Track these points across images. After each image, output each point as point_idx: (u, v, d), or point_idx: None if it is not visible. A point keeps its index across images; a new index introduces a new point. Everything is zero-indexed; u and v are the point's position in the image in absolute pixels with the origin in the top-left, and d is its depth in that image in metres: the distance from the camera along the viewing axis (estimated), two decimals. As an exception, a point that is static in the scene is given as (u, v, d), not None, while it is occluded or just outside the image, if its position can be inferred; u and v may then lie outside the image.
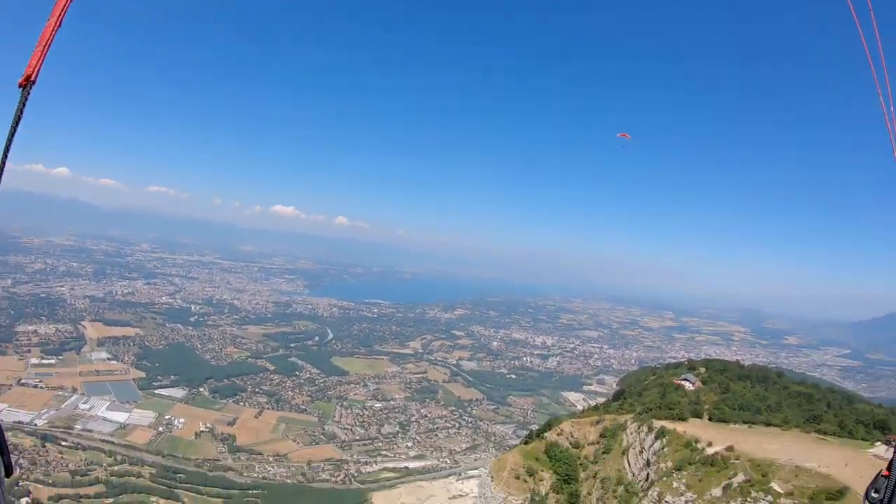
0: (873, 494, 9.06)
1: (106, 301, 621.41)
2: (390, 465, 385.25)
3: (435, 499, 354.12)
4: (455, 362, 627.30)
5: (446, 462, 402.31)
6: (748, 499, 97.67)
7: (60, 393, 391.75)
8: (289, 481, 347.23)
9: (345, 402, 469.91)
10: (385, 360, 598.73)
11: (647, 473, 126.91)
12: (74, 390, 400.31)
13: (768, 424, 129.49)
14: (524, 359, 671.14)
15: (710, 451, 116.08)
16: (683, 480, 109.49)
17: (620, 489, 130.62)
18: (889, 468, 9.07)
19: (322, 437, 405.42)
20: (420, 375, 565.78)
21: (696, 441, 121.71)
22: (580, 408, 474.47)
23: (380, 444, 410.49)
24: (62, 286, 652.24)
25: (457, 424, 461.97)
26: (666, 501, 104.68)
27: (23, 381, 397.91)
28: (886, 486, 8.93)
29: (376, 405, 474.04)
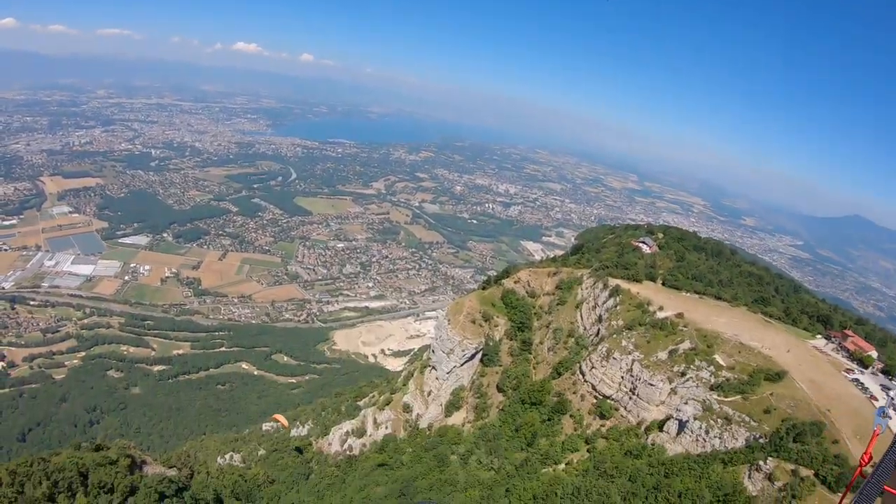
0: None
1: (63, 153, 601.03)
2: (351, 304, 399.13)
3: (393, 338, 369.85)
4: (418, 204, 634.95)
5: (405, 303, 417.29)
6: (691, 366, 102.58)
7: (24, 252, 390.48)
8: (253, 322, 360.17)
9: (307, 243, 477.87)
10: (348, 200, 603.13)
11: (598, 329, 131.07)
12: (38, 248, 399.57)
13: (718, 298, 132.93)
14: (486, 205, 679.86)
15: (660, 315, 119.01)
16: (632, 340, 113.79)
17: (571, 341, 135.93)
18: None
19: (285, 277, 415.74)
20: (382, 216, 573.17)
21: (648, 304, 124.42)
22: (538, 258, 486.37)
23: (341, 284, 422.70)
24: (17, 143, 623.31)
25: (417, 266, 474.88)
26: (614, 358, 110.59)
27: None
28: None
29: (338, 245, 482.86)
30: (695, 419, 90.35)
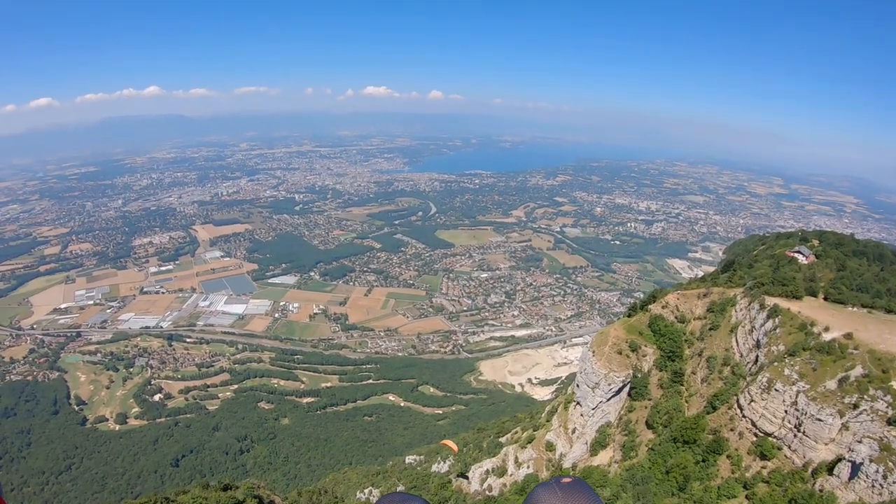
0: None
1: (213, 203, 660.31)
2: (497, 334, 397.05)
3: (540, 366, 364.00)
4: (559, 229, 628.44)
5: (551, 330, 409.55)
6: (865, 396, 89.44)
7: (181, 295, 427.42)
8: (400, 354, 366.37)
9: (451, 275, 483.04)
10: (489, 230, 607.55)
11: (757, 356, 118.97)
12: (193, 290, 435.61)
13: (889, 311, 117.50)
14: (628, 224, 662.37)
15: (826, 336, 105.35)
16: (796, 368, 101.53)
17: (727, 370, 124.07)
18: None
19: (430, 309, 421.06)
20: (524, 244, 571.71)
21: (812, 324, 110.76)
22: (685, 275, 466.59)
23: (486, 314, 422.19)
24: (170, 196, 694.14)
25: (561, 292, 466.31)
26: (776, 389, 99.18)
27: (145, 289, 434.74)
28: None
29: (482, 275, 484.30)
30: (870, 461, 77.56)
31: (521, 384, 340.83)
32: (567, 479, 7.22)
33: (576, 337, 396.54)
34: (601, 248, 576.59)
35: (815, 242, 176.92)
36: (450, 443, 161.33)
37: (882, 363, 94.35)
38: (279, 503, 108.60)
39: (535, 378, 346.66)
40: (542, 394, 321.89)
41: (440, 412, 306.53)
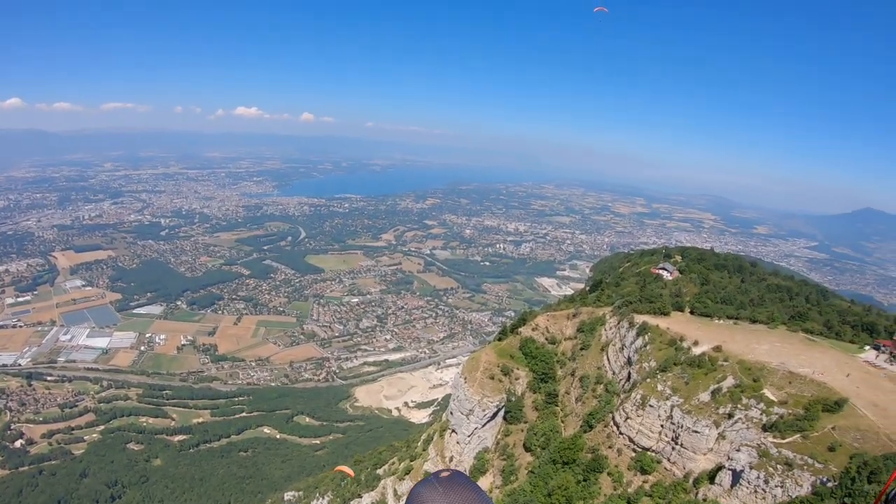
0: None
1: (74, 228, 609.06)
2: (370, 359, 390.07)
3: (416, 389, 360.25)
4: (429, 252, 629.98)
5: (425, 352, 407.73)
6: (739, 405, 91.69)
7: (39, 328, 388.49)
8: (273, 384, 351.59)
9: (322, 300, 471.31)
10: (359, 254, 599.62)
11: (629, 373, 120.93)
12: (53, 323, 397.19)
13: (754, 321, 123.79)
14: (497, 245, 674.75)
15: (696, 350, 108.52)
16: (669, 383, 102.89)
17: (600, 388, 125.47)
18: None
19: (302, 336, 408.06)
20: (395, 267, 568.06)
21: (682, 339, 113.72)
22: (554, 293, 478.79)
23: (359, 339, 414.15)
24: (28, 220, 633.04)
25: (433, 314, 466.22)
26: (650, 405, 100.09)
27: (0, 323, 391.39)
28: None
29: (353, 300, 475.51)
30: (751, 468, 78.39)
31: (397, 408, 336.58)
32: (446, 473, 7.71)
33: (449, 358, 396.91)
34: (471, 270, 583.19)
35: (678, 258, 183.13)
36: (346, 468, 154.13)
37: (752, 372, 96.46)
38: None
39: (412, 401, 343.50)
40: (419, 416, 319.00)
41: (317, 442, 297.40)
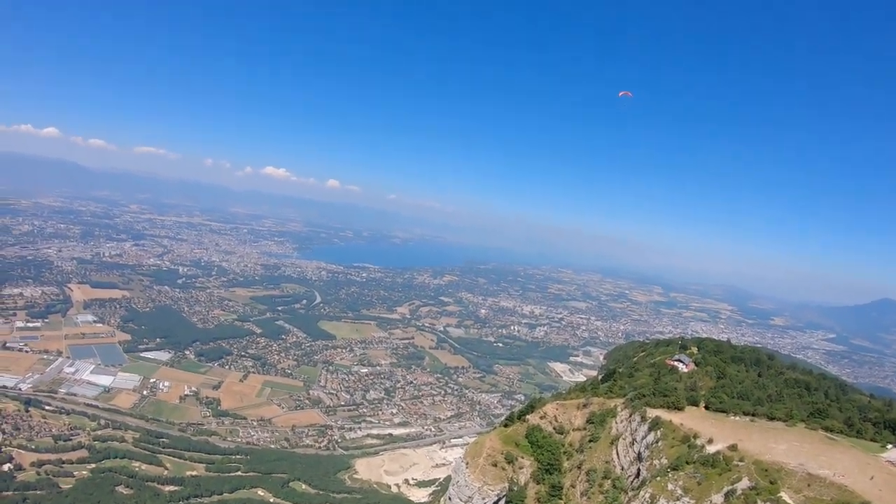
0: None
1: (93, 263, 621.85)
2: (374, 431, 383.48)
3: (418, 466, 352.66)
4: (442, 329, 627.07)
5: (430, 430, 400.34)
6: None
7: (45, 356, 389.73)
8: (272, 446, 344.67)
9: (331, 367, 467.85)
10: (372, 324, 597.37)
11: (638, 469, 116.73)
12: (59, 353, 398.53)
13: (771, 418, 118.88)
14: (512, 327, 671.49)
15: (710, 448, 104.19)
16: (680, 482, 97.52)
17: (608, 484, 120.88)
18: None
19: (307, 401, 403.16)
20: (407, 341, 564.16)
21: (695, 436, 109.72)
22: (566, 378, 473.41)
23: (364, 410, 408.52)
24: (49, 248, 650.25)
25: (442, 392, 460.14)
26: None
27: (8, 344, 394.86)
28: None
29: (362, 370, 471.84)
30: None
31: (397, 484, 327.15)
32: None
33: (455, 437, 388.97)
34: (484, 350, 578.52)
35: (694, 350, 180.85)
36: None
37: (769, 474, 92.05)
38: None
39: (413, 479, 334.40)
40: (419, 495, 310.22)
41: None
